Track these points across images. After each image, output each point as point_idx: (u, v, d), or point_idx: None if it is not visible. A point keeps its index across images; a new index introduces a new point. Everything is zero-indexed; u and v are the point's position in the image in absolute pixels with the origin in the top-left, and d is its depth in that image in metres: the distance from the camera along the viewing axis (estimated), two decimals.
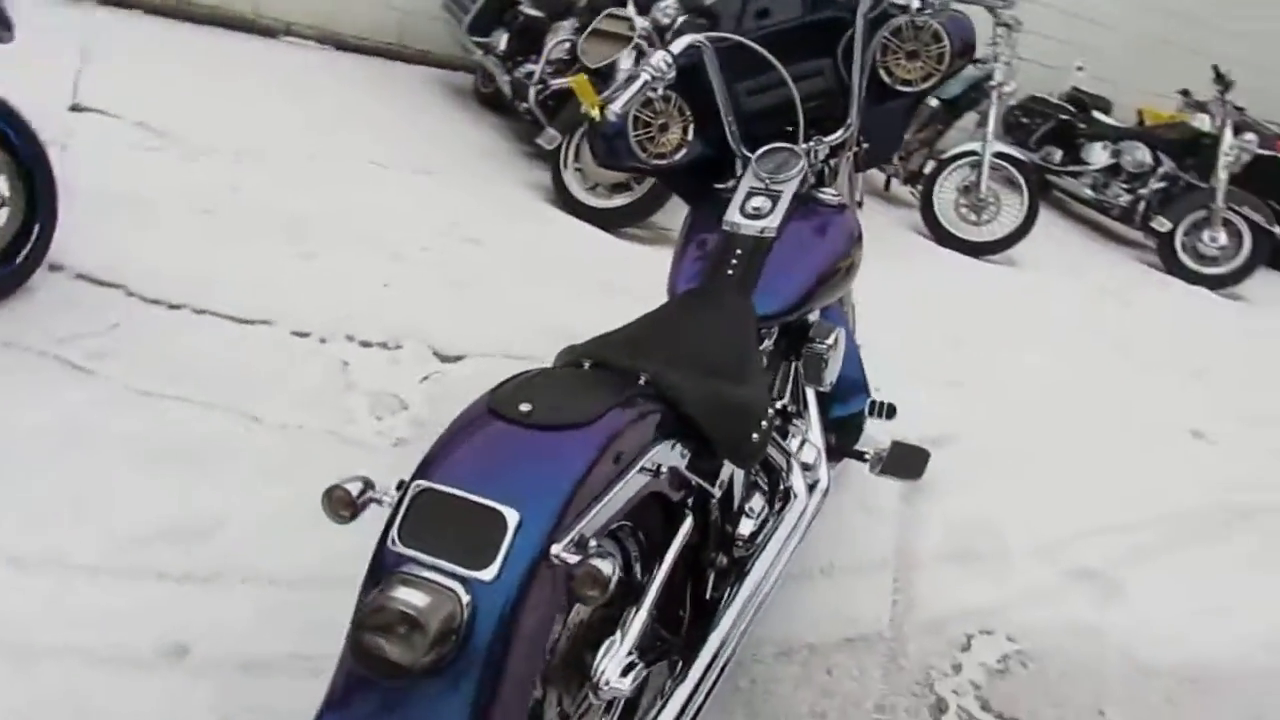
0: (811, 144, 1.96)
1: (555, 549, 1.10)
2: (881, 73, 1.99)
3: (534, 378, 1.31)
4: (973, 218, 5.33)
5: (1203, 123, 6.38)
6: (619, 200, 4.08)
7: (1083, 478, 2.99)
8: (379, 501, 1.21)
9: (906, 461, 2.13)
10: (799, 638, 1.98)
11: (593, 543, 1.12)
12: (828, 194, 1.97)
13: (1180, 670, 2.16)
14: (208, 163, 3.54)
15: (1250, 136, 5.92)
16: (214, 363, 2.40)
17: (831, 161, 2.06)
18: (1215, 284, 5.91)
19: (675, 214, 4.26)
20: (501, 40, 4.82)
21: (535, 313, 3.06)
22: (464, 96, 5.64)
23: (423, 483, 1.13)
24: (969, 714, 1.89)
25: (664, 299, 1.84)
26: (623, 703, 1.44)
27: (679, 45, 1.90)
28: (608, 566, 1.07)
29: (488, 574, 1.05)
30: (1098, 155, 6.65)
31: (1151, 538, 2.74)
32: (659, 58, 1.86)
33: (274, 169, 3.69)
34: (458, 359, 2.72)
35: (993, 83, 5.36)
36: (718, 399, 1.44)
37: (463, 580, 1.06)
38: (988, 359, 3.71)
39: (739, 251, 1.82)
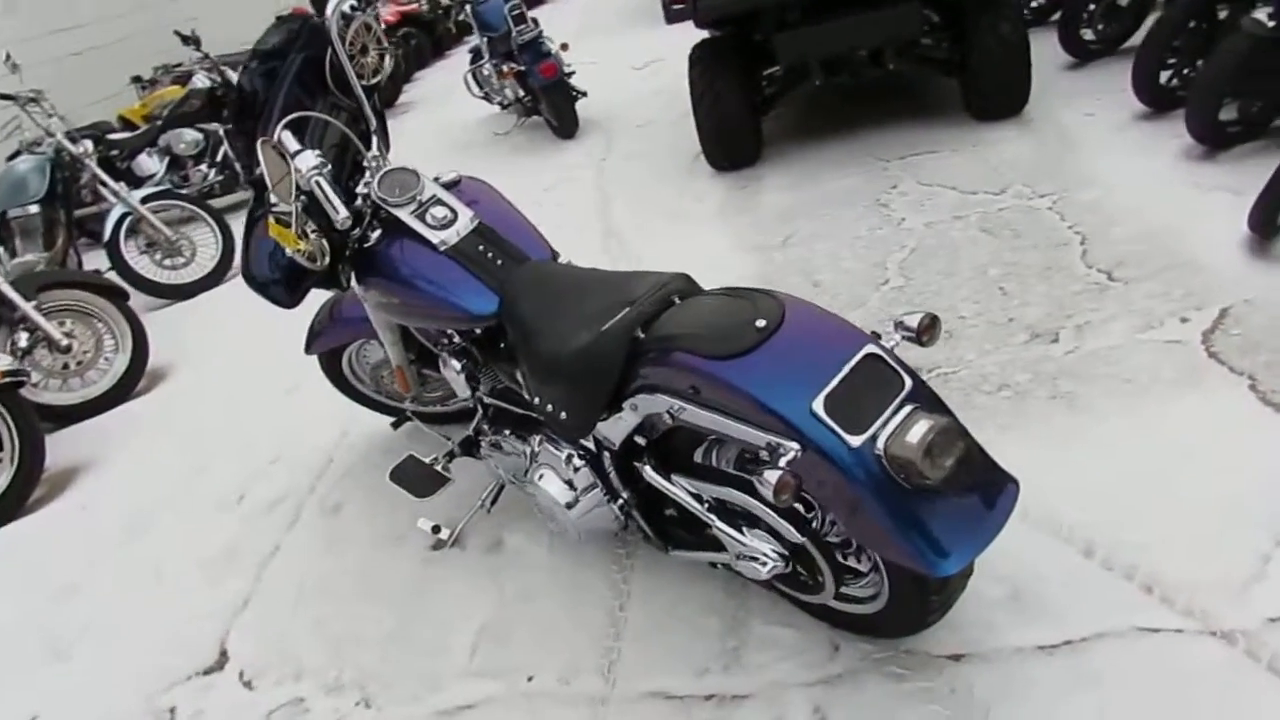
0: (375, 157, 2.11)
1: (889, 344, 1.43)
2: (360, 81, 2.15)
3: (710, 348, 1.51)
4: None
5: (202, 80, 6.49)
6: None
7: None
8: (788, 458, 1.38)
9: None
10: None
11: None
12: (446, 175, 2.13)
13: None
14: None
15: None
16: None
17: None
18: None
19: None
20: None
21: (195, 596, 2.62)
22: None
23: (816, 400, 1.38)
24: None
25: None
26: None
27: (292, 142, 1.86)
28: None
29: (909, 381, 1.43)
30: (150, 164, 6.19)
31: None
32: (311, 156, 1.83)
33: None
34: (221, 664, 2.26)
35: None
36: (682, 278, 1.77)
37: (908, 396, 1.41)
38: None
39: (480, 248, 1.96)
